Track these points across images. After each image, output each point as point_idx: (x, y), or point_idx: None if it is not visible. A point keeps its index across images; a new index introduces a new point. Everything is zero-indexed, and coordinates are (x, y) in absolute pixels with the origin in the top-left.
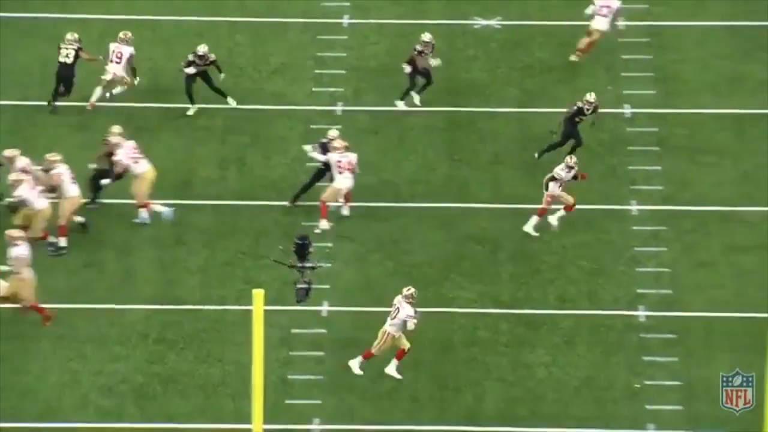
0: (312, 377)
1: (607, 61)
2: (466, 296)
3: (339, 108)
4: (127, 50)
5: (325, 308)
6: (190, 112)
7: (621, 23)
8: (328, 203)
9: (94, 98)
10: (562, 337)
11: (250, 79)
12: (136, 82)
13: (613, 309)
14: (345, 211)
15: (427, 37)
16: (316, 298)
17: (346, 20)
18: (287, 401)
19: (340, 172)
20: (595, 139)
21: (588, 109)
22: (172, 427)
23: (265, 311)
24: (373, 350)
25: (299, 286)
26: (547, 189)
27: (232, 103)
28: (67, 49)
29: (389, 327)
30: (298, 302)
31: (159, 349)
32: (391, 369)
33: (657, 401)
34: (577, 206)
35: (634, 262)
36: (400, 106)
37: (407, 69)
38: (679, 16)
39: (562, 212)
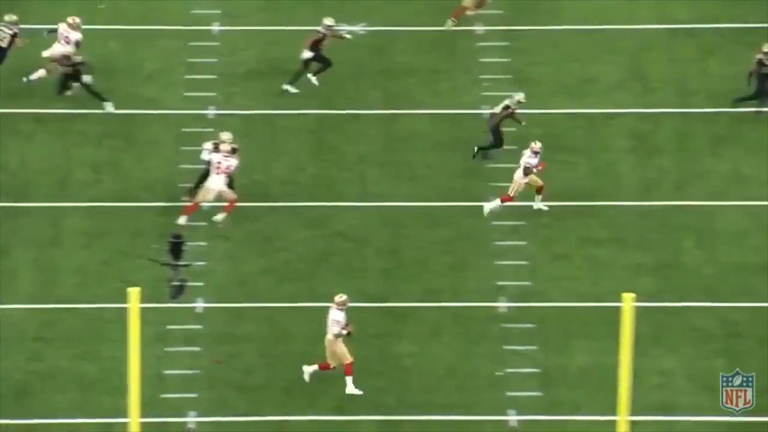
0: (187, 372)
1: (467, 64)
2: (335, 291)
3: (211, 112)
4: (75, 35)
5: (199, 305)
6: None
7: (480, 28)
8: (198, 202)
9: (34, 75)
10: (428, 329)
11: (124, 85)
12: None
13: (475, 301)
14: (218, 217)
15: (329, 20)
16: (190, 294)
17: (215, 27)
18: (163, 395)
19: (216, 173)
20: (456, 138)
21: (514, 109)
22: (52, 423)
23: (141, 309)
24: (330, 362)
25: (173, 283)
26: (519, 177)
27: (109, 108)
28: (2, 31)
29: (327, 336)
30: (172, 299)
31: (37, 347)
32: (350, 388)
33: (517, 388)
34: (439, 203)
35: (494, 256)
36: (291, 89)
37: (307, 54)
38: (534, 20)
39: (494, 202)
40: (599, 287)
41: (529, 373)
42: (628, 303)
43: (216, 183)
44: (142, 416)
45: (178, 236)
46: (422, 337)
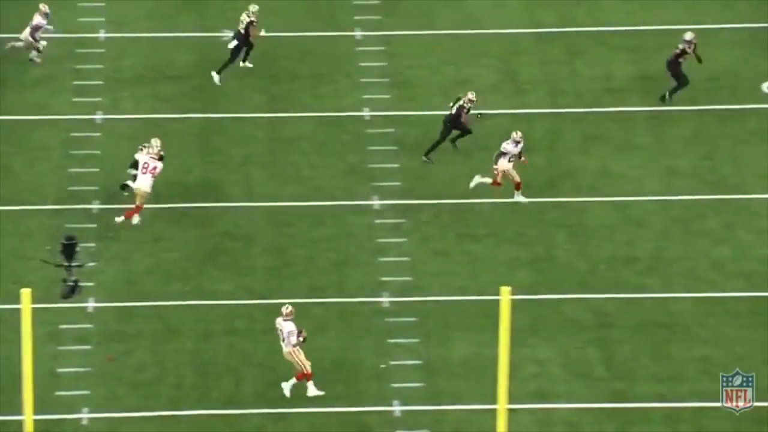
0: (80, 370)
1: (347, 69)
2: (223, 289)
3: (98, 117)
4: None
5: (90, 304)
6: None
7: (359, 33)
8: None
9: (17, 43)
10: (314, 324)
11: (12, 91)
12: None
13: (359, 296)
14: (135, 220)
15: (254, 8)
16: (81, 294)
17: (102, 34)
18: (57, 393)
19: (143, 173)
20: (338, 140)
21: (470, 105)
22: None
23: (34, 309)
24: (302, 370)
25: (67, 283)
26: (496, 163)
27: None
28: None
29: (285, 350)
30: (64, 298)
31: None
32: (312, 390)
33: (401, 380)
34: (323, 203)
35: (377, 253)
36: (216, 79)
37: (232, 43)
38: (411, 26)
39: (517, 192)
40: (477, 281)
41: (411, 365)
42: (505, 296)
43: (140, 181)
44: (37, 413)
45: (71, 238)
46: (309, 332)
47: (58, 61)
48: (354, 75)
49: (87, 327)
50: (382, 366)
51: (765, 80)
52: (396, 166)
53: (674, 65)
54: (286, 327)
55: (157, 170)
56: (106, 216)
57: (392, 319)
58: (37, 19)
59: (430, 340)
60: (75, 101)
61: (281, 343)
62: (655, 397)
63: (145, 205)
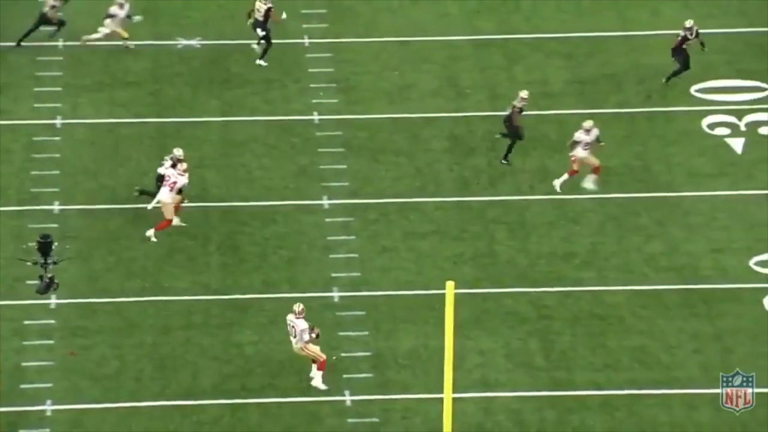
0: (44, 363)
1: (296, 74)
2: (180, 285)
3: (58, 121)
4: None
5: (53, 301)
6: None
7: (307, 41)
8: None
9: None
10: (267, 318)
11: None
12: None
13: (310, 291)
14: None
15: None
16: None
17: (60, 43)
18: (22, 386)
19: (164, 186)
20: (288, 142)
21: (523, 106)
22: None
23: None
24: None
25: (43, 280)
26: (571, 151)
27: None
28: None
29: (295, 346)
30: (40, 294)
31: None
32: (318, 382)
33: (351, 371)
34: (275, 202)
35: (327, 250)
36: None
37: (260, 32)
38: (356, 33)
39: (593, 176)
40: (423, 276)
41: (361, 356)
42: (450, 290)
43: (161, 194)
44: (2, 405)
45: (46, 236)
46: (262, 326)
47: (20, 68)
48: (303, 80)
49: (50, 323)
50: (334, 358)
51: (692, 84)
52: (344, 167)
53: (679, 51)
54: (299, 325)
55: (177, 185)
56: (66, 216)
57: (342, 313)
58: (113, 10)
59: (378, 333)
60: (36, 107)
61: (291, 339)
62: (592, 385)
63: (104, 206)
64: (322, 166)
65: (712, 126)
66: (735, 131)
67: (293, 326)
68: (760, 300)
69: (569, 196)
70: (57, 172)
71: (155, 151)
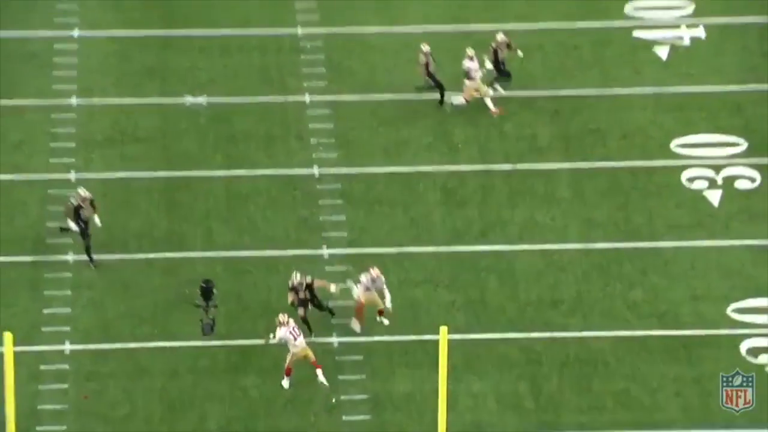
0: (58, 407)
1: (297, 130)
2: (188, 331)
3: (72, 176)
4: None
5: (67, 347)
6: None
7: (307, 98)
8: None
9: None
10: (271, 363)
11: None
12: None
13: (316, 337)
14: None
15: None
16: (58, 338)
17: (74, 101)
18: (38, 428)
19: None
20: (290, 195)
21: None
22: None
23: (15, 351)
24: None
25: (205, 322)
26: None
27: None
28: None
29: (300, 346)
30: (205, 335)
31: None
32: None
33: (350, 413)
34: (277, 252)
35: (326, 297)
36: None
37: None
38: (354, 90)
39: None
40: (418, 323)
41: (359, 399)
42: (443, 336)
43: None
44: None
45: (208, 282)
46: (266, 371)
47: (35, 125)
48: (304, 136)
49: (64, 367)
50: (333, 400)
51: (672, 139)
52: (342, 218)
53: (495, 63)
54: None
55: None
56: (79, 266)
57: (341, 358)
58: (466, 64)
59: (375, 377)
60: (51, 162)
61: (294, 342)
62: (579, 427)
63: (116, 256)
64: (322, 218)
65: (691, 180)
66: (712, 185)
67: (292, 334)
68: (738, 345)
69: (555, 246)
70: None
71: (164, 203)
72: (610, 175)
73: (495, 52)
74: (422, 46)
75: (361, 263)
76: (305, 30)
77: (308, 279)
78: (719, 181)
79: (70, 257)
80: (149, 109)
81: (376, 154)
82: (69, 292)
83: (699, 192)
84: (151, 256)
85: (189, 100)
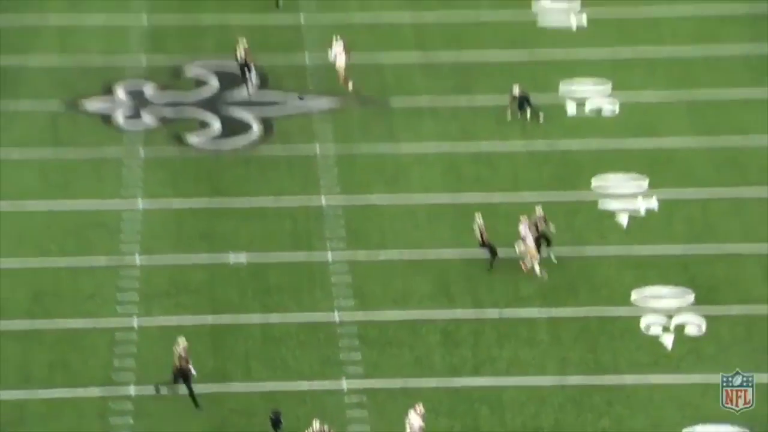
0: None
1: (321, 283)
2: None
3: (135, 321)
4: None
5: None
6: None
7: (330, 255)
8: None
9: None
10: None
11: (67, 303)
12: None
13: None
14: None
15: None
16: None
17: (137, 257)
18: None
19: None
20: (315, 337)
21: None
22: None
23: None
24: None
25: None
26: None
27: None
28: None
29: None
30: None
31: None
32: None
33: None
34: (304, 385)
35: (347, 423)
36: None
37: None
38: (369, 246)
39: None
40: None
41: None
42: None
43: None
44: None
45: (277, 413)
46: None
47: (105, 280)
48: (327, 288)
49: None
50: None
51: (630, 292)
52: (359, 356)
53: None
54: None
55: None
56: (141, 399)
57: None
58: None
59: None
60: (118, 309)
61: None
62: None
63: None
64: (341, 356)
65: (647, 326)
66: (666, 330)
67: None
68: None
69: (536, 383)
70: (133, 363)
71: (211, 345)
72: (582, 322)
73: (536, 225)
74: (477, 217)
75: (374, 394)
76: (328, 199)
77: (326, 428)
78: (671, 328)
79: (132, 390)
80: (198, 266)
81: (387, 302)
82: (131, 421)
83: (655, 337)
84: (200, 389)
85: (232, 258)
